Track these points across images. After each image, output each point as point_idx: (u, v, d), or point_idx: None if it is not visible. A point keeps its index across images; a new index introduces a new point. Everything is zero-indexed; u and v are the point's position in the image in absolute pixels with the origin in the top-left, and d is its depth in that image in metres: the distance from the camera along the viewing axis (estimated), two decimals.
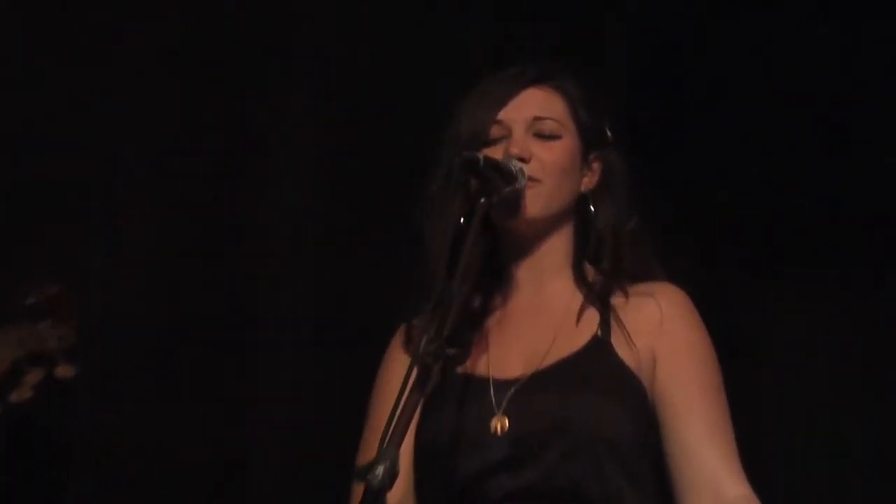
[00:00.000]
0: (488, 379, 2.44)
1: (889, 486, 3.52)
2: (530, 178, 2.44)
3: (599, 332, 2.45)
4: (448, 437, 2.39)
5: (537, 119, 2.50)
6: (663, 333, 2.43)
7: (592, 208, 2.53)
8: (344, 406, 2.63)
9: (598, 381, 2.41)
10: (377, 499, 2.02)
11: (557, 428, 2.36)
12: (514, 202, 2.43)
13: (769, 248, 3.61)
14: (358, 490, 2.10)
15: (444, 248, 2.42)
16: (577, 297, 2.50)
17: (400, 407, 2.10)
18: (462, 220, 2.39)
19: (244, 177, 3.37)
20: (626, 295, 2.47)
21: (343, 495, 2.38)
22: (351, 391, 2.59)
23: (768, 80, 3.73)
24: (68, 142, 3.16)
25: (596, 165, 2.56)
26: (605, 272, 2.52)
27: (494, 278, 2.56)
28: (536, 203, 2.46)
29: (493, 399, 2.40)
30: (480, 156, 2.37)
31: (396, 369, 2.46)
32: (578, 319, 2.47)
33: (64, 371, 2.62)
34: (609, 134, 2.57)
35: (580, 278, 2.52)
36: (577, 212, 2.54)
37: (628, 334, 2.44)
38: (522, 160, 2.44)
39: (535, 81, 2.53)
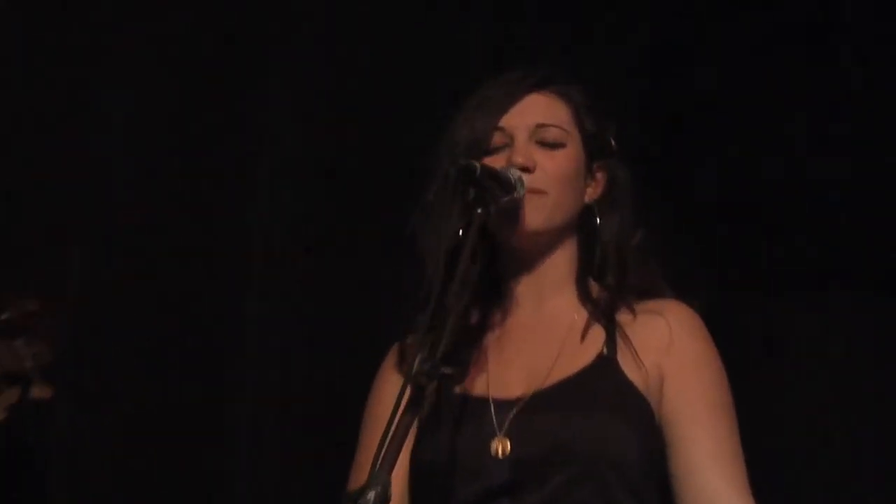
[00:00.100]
0: (488, 399, 2.38)
1: None
2: (534, 189, 2.36)
3: (605, 350, 2.40)
4: (446, 459, 2.34)
5: (540, 126, 2.42)
6: (672, 352, 2.38)
7: (598, 220, 2.46)
8: (333, 418, 2.64)
9: (604, 399, 2.35)
10: None
11: (560, 449, 2.30)
12: (513, 213, 2.37)
13: (776, 261, 3.56)
14: None
15: (441, 260, 2.35)
16: (582, 314, 2.44)
17: (392, 429, 2.06)
18: (460, 231, 2.30)
19: (242, 178, 3.31)
20: (633, 312, 2.42)
21: None
22: (341, 402, 2.57)
23: (769, 80, 3.66)
24: (57, 149, 3.08)
25: (600, 175, 2.49)
26: (610, 288, 2.46)
27: (493, 293, 2.49)
28: (539, 215, 2.39)
29: (493, 420, 2.34)
30: (478, 164, 2.30)
31: (389, 390, 2.41)
32: (583, 337, 2.41)
33: (40, 391, 2.54)
34: (613, 142, 2.50)
35: (584, 294, 2.46)
36: (580, 224, 2.47)
37: (636, 352, 2.38)
38: (526, 170, 2.37)
39: (538, 86, 2.45)
